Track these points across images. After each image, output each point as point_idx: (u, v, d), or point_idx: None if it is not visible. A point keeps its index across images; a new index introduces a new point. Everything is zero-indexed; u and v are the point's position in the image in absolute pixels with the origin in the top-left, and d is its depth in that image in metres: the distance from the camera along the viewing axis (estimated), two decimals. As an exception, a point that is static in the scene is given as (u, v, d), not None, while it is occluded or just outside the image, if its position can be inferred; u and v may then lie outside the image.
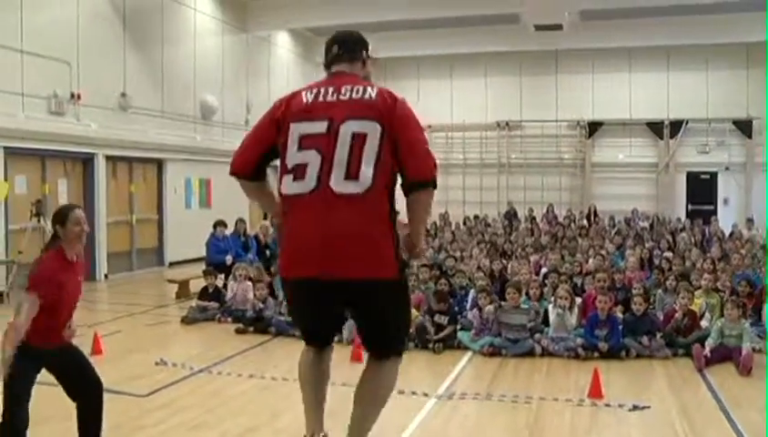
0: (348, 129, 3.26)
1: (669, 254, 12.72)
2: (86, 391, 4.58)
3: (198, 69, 17.87)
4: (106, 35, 14.72)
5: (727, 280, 9.79)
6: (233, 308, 10.24)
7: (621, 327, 8.21)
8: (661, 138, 23.97)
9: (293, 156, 3.34)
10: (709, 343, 7.70)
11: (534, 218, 21.10)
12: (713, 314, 8.76)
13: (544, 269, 11.61)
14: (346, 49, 3.65)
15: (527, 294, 9.37)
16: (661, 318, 8.72)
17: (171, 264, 16.59)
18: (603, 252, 12.76)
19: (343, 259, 3.23)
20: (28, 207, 12.26)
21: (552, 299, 8.82)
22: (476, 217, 21.60)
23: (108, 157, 14.85)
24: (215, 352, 8.29)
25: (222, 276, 11.76)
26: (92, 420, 4.61)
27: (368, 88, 3.41)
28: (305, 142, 3.32)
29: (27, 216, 12.19)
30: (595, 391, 6.44)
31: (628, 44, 22.30)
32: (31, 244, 12.00)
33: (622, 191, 23.69)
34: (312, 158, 3.28)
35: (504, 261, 11.81)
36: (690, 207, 23.67)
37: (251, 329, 9.38)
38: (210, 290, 10.74)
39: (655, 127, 23.98)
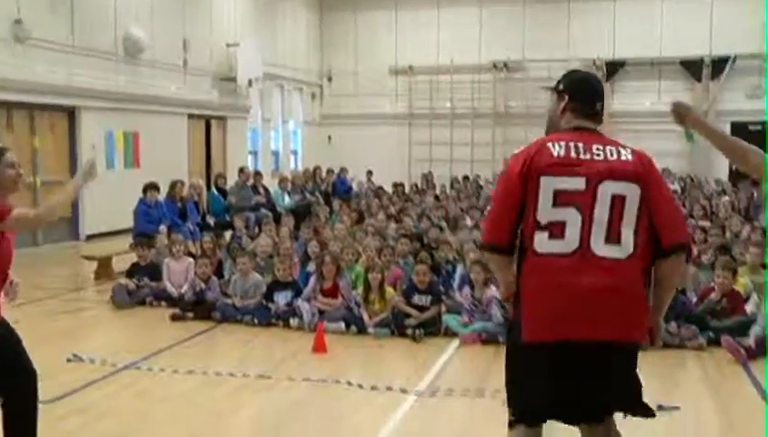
0: (606, 189, 3.69)
1: (705, 223, 12.83)
2: (18, 382, 4.65)
3: (120, -7, 17.60)
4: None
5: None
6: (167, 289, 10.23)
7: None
8: (699, 80, 24.00)
9: (547, 211, 3.70)
10: (756, 332, 7.74)
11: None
12: (762, 296, 8.76)
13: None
14: (602, 107, 4.01)
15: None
16: (695, 300, 8.75)
17: (89, 237, 16.49)
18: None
19: (605, 320, 3.65)
20: None
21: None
22: (465, 178, 21.65)
23: (2, 103, 14.62)
24: (144, 344, 8.26)
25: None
26: (23, 419, 4.67)
27: (622, 149, 3.83)
28: (560, 198, 3.69)
29: None
30: (611, 388, 6.44)
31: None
32: None
33: (649, 146, 22.61)
34: (571, 217, 3.67)
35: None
36: (734, 166, 23.67)
37: (190, 314, 9.41)
38: (143, 264, 10.77)
39: (692, 67, 24.01)
